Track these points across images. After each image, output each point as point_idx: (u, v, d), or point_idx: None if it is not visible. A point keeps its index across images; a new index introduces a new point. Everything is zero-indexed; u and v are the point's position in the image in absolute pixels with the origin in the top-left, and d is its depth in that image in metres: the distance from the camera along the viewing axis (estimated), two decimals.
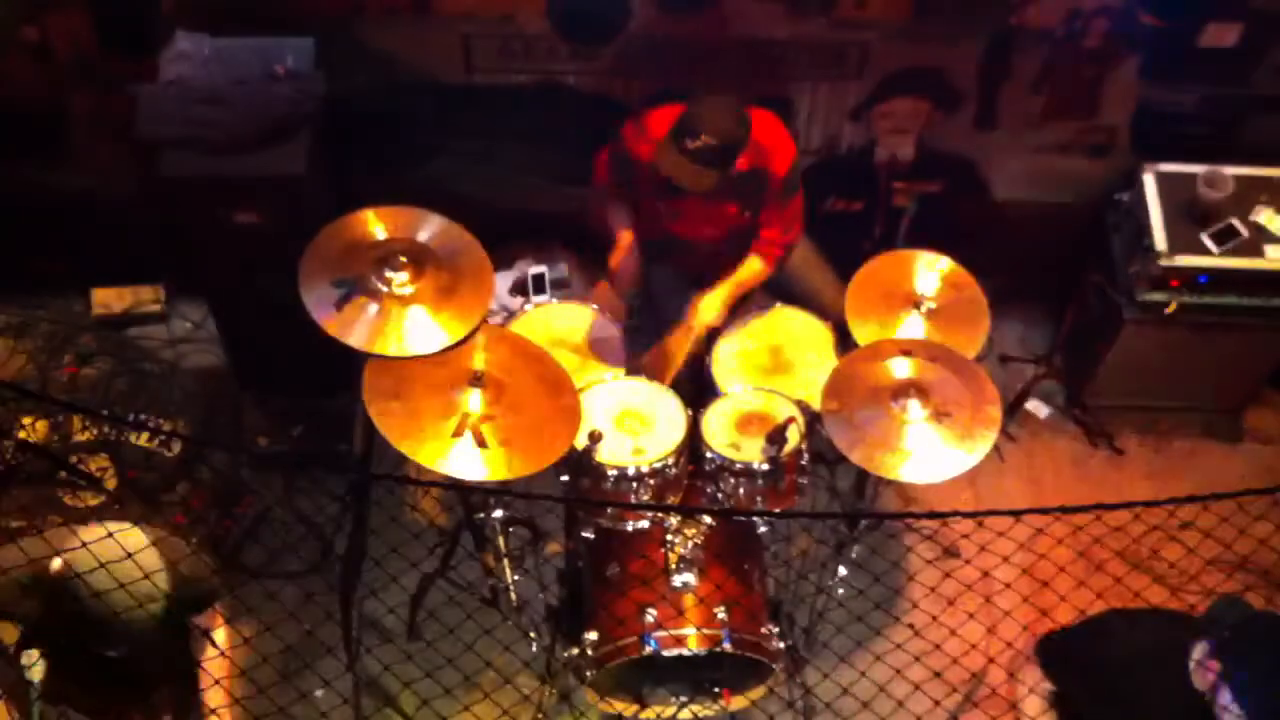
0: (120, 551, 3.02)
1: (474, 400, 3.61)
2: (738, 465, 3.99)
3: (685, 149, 3.85)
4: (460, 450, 3.53)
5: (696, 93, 4.00)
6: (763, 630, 4.00)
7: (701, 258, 4.45)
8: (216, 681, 3.38)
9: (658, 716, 4.30)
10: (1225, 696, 2.94)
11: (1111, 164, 5.00)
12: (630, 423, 4.08)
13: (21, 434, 4.60)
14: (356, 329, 3.59)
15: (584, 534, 4.19)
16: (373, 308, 3.62)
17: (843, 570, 4.55)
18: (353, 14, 4.55)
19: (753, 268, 4.33)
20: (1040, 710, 3.42)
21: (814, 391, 4.08)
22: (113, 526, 3.14)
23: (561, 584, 4.65)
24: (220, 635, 3.49)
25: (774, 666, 4.03)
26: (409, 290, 3.65)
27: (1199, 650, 3.04)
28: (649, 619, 3.92)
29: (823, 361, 4.30)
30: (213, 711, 3.38)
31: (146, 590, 3.10)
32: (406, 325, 3.62)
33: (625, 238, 4.30)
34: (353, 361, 3.65)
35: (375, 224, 3.75)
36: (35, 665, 2.95)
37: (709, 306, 4.28)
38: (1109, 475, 5.15)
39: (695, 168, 3.88)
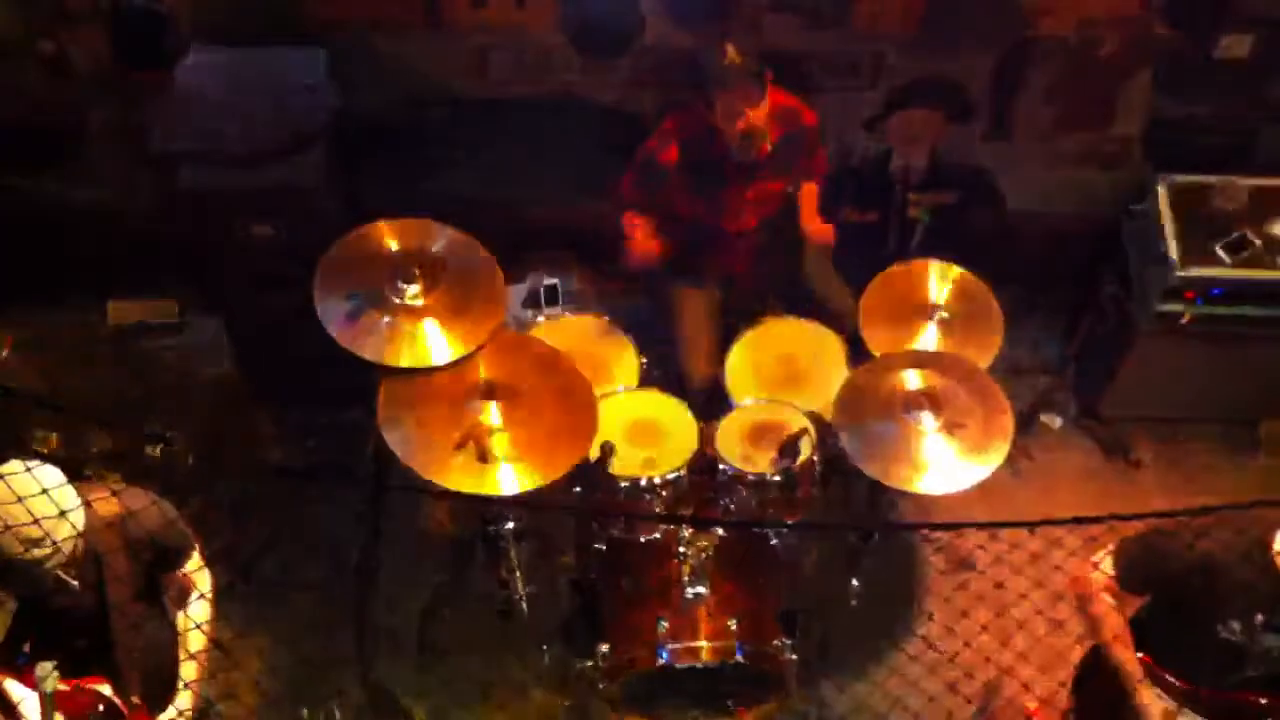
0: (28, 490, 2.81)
1: (488, 412, 3.61)
2: (750, 477, 3.99)
3: (730, 73, 4.02)
4: (464, 463, 3.53)
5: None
6: (775, 642, 3.99)
7: (739, 253, 4.50)
8: (192, 656, 3.30)
9: None
10: None
11: (1125, 175, 4.99)
12: (642, 434, 4.08)
13: (34, 445, 4.62)
14: (369, 341, 3.59)
15: (596, 546, 4.19)
16: (385, 320, 3.62)
17: (856, 582, 4.54)
18: (367, 27, 4.57)
19: (814, 189, 4.54)
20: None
21: (827, 403, 4.07)
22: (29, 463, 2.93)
23: (574, 596, 4.64)
24: (200, 609, 3.36)
25: (787, 679, 4.02)
26: (422, 302, 3.65)
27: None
28: (662, 631, 3.91)
29: (835, 373, 4.29)
30: (186, 685, 3.30)
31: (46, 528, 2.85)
32: (420, 337, 3.62)
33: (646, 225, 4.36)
34: (367, 373, 3.65)
35: (389, 236, 3.75)
36: (49, 678, 2.93)
37: (817, 227, 4.43)
38: (1123, 486, 5.12)
39: (746, 85, 4.05)
